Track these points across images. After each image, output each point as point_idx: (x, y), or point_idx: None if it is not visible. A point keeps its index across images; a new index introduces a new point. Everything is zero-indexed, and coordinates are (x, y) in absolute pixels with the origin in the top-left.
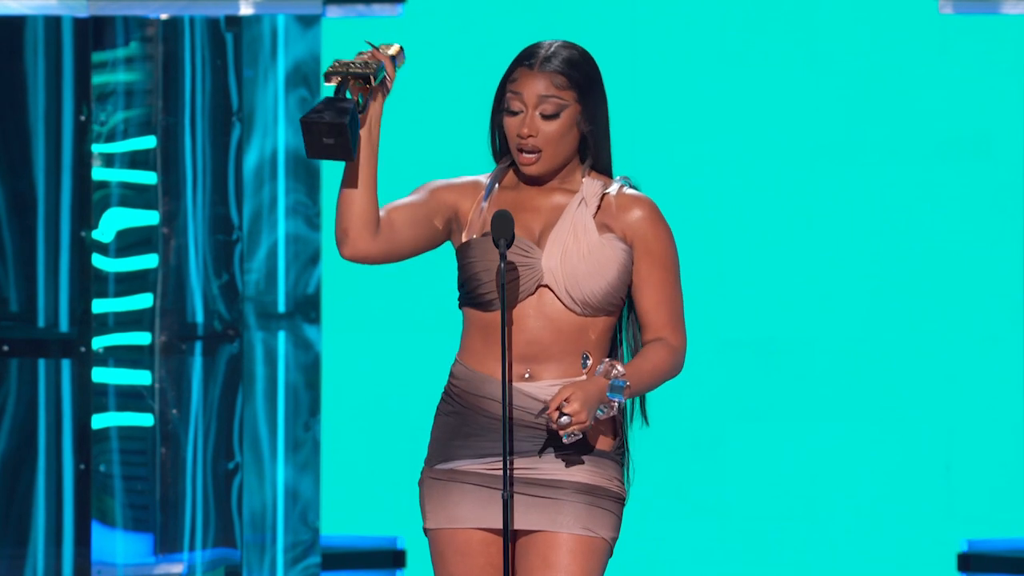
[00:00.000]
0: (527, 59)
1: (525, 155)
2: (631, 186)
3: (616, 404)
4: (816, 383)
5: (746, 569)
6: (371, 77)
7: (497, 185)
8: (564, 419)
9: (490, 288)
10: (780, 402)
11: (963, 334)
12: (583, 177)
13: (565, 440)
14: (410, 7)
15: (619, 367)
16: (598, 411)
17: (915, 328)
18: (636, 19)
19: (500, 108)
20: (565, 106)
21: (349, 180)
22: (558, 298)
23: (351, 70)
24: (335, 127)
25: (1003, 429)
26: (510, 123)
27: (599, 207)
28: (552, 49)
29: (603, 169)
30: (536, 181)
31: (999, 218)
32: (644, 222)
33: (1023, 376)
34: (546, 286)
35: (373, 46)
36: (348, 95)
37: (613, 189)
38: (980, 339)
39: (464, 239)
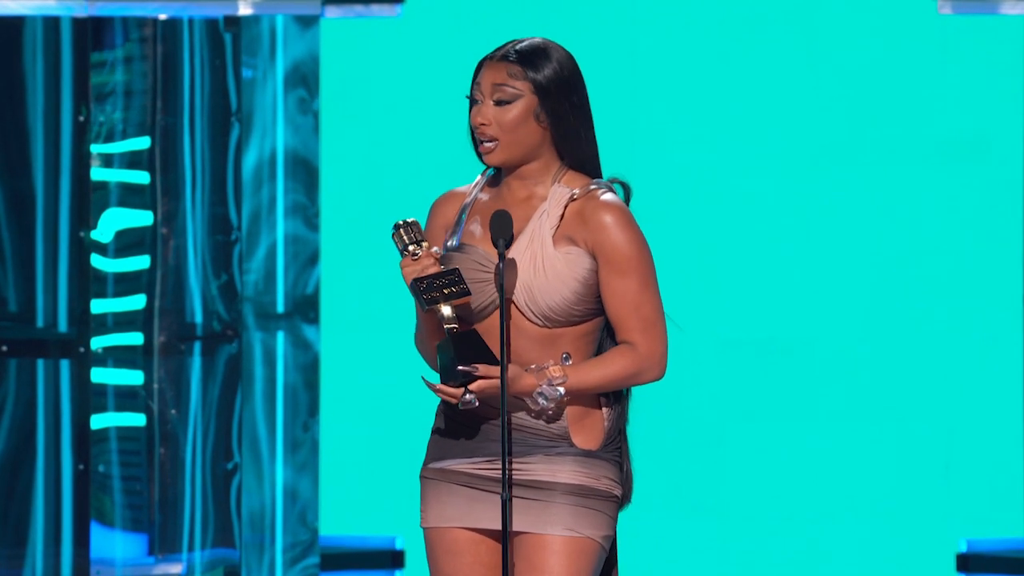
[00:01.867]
0: (491, 53)
1: (483, 145)
2: (610, 188)
3: (541, 403)
4: (816, 383)
5: (746, 569)
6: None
7: (478, 195)
8: (469, 397)
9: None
10: (780, 402)
11: (963, 334)
12: (554, 183)
13: (460, 407)
14: (408, 8)
15: (557, 374)
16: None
17: (915, 328)
18: (635, 20)
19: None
20: (519, 95)
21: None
22: (520, 312)
23: (452, 301)
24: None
25: (1002, 429)
26: (470, 113)
27: (563, 216)
28: (520, 44)
29: (584, 169)
30: (512, 178)
31: (998, 218)
32: (604, 231)
33: (1022, 376)
34: (510, 299)
35: (415, 243)
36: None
37: (584, 192)
38: (979, 339)
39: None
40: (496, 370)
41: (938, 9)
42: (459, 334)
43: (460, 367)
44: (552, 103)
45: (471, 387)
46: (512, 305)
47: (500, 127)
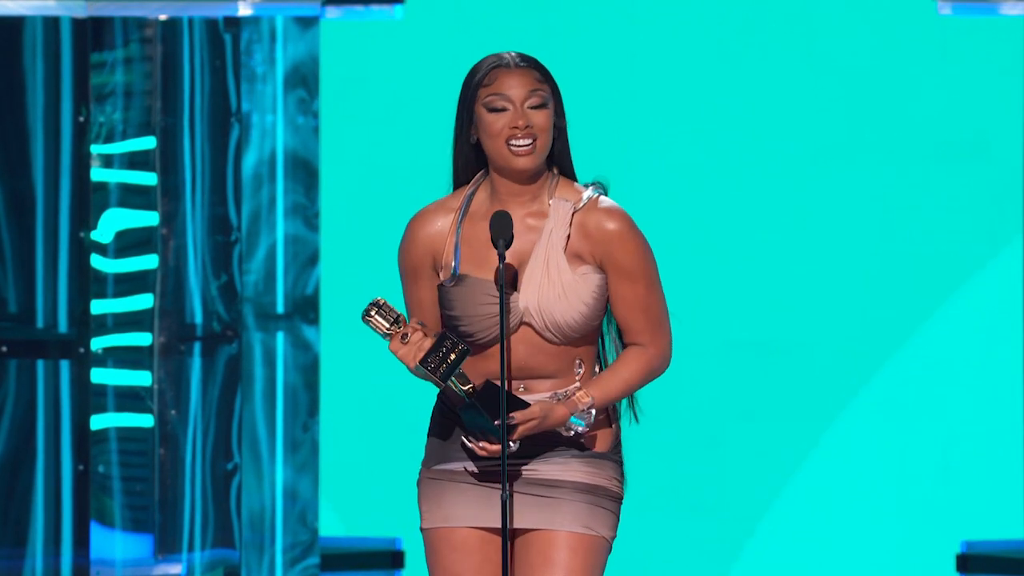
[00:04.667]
0: (496, 63)
1: (519, 147)
2: (603, 192)
3: (579, 429)
4: (815, 383)
5: (745, 569)
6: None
7: (465, 219)
8: (514, 447)
9: (472, 331)
10: (780, 402)
11: (962, 334)
12: (550, 198)
13: (512, 447)
14: (408, 8)
15: (585, 399)
16: (562, 430)
17: (914, 328)
18: (634, 21)
19: (467, 123)
20: (548, 98)
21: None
22: (539, 333)
23: (454, 365)
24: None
25: (1001, 430)
26: (496, 120)
27: (569, 233)
28: (514, 53)
29: (567, 175)
30: (507, 195)
31: (998, 218)
32: (610, 241)
33: (1021, 377)
34: (527, 323)
35: (398, 330)
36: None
37: (582, 202)
38: (979, 340)
39: (441, 279)
40: (527, 412)
41: (938, 10)
42: (480, 391)
43: (497, 422)
44: (560, 107)
45: (512, 437)
46: (527, 327)
47: (538, 128)
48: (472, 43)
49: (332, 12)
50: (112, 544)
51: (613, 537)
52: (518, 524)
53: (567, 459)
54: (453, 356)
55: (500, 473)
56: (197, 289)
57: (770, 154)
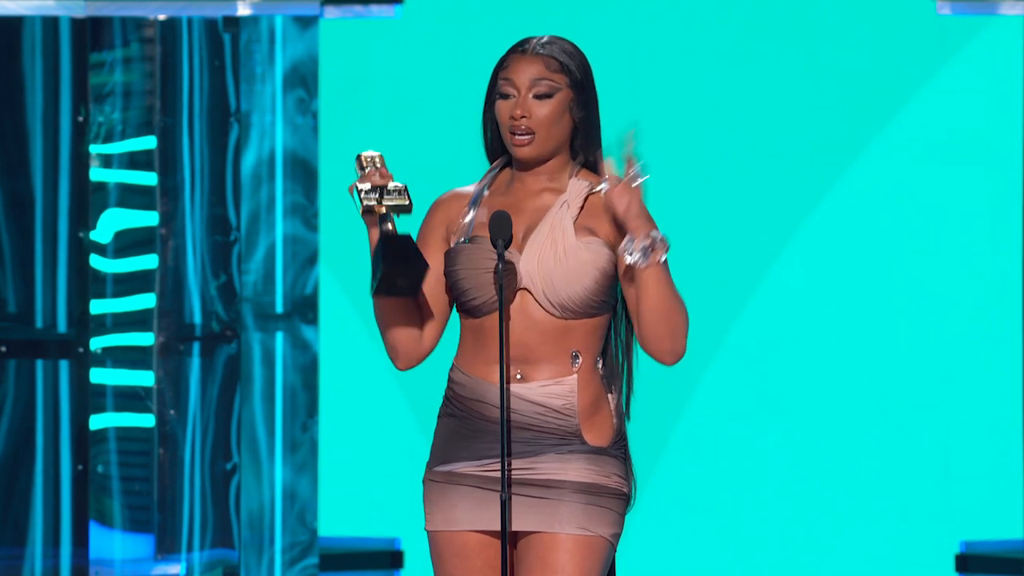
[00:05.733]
0: (520, 47)
1: (518, 137)
2: None
3: (640, 252)
4: (814, 384)
5: (745, 569)
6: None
7: (486, 191)
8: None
9: (475, 294)
10: (780, 402)
11: (961, 335)
12: (571, 177)
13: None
14: (407, 8)
15: (655, 240)
16: (629, 245)
17: (913, 328)
18: (634, 20)
19: (492, 101)
20: (558, 88)
21: (390, 302)
22: (537, 302)
23: (387, 201)
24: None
25: (1000, 430)
26: (502, 107)
27: (583, 208)
28: (545, 39)
29: (594, 167)
30: (526, 173)
31: (997, 218)
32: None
33: (1021, 377)
34: (526, 290)
35: (370, 166)
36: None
37: (600, 187)
38: (978, 340)
39: (451, 245)
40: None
41: (937, 9)
42: (396, 235)
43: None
44: (584, 98)
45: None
46: (527, 295)
47: (539, 121)
48: (471, 43)
49: (331, 12)
50: (111, 544)
51: (616, 535)
52: (517, 527)
53: (566, 455)
54: (400, 197)
55: (500, 475)
56: (196, 289)
57: (769, 154)
